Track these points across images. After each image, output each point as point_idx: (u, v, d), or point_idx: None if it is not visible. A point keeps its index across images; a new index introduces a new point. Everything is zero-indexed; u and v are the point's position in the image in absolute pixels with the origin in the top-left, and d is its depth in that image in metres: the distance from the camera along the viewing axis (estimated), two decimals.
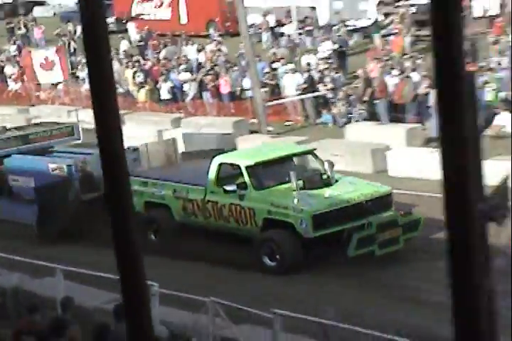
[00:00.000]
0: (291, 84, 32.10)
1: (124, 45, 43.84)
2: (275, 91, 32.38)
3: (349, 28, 43.51)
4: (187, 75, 35.47)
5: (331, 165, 18.43)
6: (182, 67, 36.43)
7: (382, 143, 25.19)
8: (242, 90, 32.84)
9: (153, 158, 22.22)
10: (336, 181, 18.28)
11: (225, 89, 33.34)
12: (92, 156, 20.65)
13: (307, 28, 43.73)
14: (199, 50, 39.46)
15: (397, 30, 39.74)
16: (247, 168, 18.14)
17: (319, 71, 32.38)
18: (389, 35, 40.28)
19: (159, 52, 40.62)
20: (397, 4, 45.83)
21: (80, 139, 23.49)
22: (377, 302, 15.93)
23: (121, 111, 29.07)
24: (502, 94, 27.27)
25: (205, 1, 50.97)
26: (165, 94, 35.11)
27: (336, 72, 32.19)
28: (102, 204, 19.60)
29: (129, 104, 34.25)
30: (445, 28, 4.76)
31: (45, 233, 19.38)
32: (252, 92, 30.44)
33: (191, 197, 18.92)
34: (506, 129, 25.93)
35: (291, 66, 33.67)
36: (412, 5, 41.90)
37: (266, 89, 31.36)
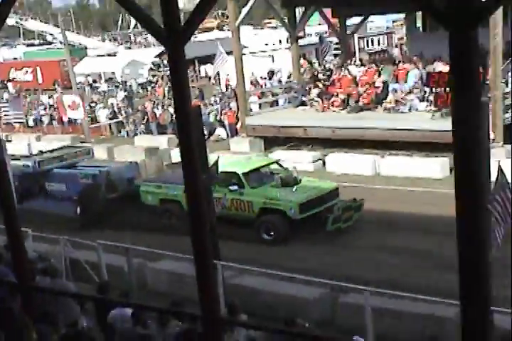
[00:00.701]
0: (102, 115, 31.47)
1: (5, 96, 41.85)
2: (94, 119, 31.63)
3: (134, 83, 43.42)
4: (43, 112, 34.28)
5: (295, 169, 16.35)
6: (40, 107, 35.17)
7: (155, 145, 24.74)
8: (75, 119, 31.87)
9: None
10: (300, 180, 16.08)
11: (65, 119, 32.28)
12: (112, 168, 18.79)
13: (115, 84, 43.44)
14: (49, 97, 38.08)
15: (160, 84, 39.74)
16: (243, 174, 15.84)
17: (118, 108, 31.92)
18: (155, 86, 40.29)
19: (26, 99, 39.09)
20: (159, 70, 46.17)
21: (93, 157, 20.62)
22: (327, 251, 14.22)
23: (6, 133, 28.13)
24: (218, 117, 27.65)
25: (52, 70, 50.37)
26: (31, 123, 33.71)
27: (127, 108, 31.91)
28: (119, 201, 17.31)
29: (10, 129, 32.47)
30: (177, 83, 4.80)
31: (85, 220, 16.86)
32: (81, 120, 29.66)
33: None
34: (221, 136, 26.35)
35: (102, 105, 33.10)
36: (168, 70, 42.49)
37: (89, 118, 30.56)
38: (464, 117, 3.24)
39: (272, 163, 17.12)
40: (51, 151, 20.24)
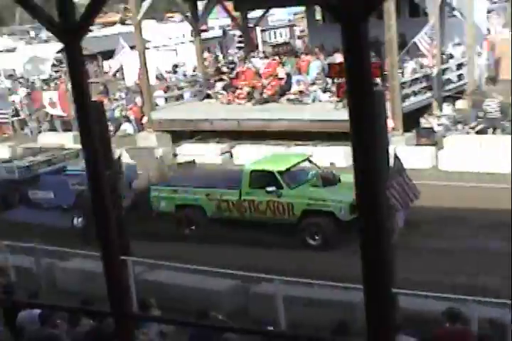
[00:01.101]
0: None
1: None
2: None
3: (38, 79, 42.25)
4: None
5: (333, 165, 14.56)
6: None
7: (61, 143, 23.91)
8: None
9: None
10: (339, 177, 14.34)
11: None
12: None
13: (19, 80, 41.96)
14: None
15: (62, 80, 38.73)
16: (279, 172, 14.12)
17: (20, 105, 30.93)
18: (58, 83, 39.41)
19: None
20: (62, 65, 45.03)
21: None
22: None
23: None
24: (123, 113, 27.13)
25: None
26: None
27: (29, 105, 30.92)
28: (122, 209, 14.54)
29: None
30: (75, 78, 4.66)
31: (87, 232, 14.16)
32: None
33: (225, 198, 14.46)
34: (128, 131, 25.92)
35: None
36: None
37: None
38: (359, 107, 3.29)
39: (305, 159, 15.39)
40: (34, 154, 18.44)
